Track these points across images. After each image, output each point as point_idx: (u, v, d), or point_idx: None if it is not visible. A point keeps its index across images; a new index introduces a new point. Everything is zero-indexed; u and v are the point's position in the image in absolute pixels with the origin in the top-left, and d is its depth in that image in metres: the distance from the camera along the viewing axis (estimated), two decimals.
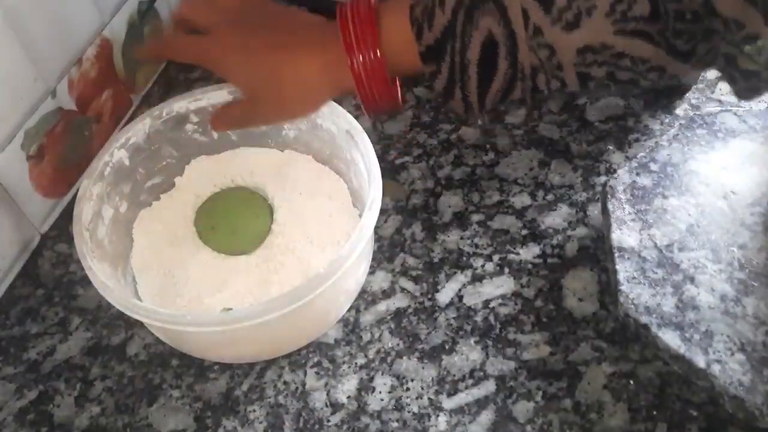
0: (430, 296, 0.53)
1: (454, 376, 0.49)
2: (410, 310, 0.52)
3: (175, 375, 0.50)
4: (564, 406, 0.47)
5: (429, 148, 0.63)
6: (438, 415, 0.47)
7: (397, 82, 0.49)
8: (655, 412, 0.46)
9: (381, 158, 0.63)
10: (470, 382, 0.48)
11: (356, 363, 0.50)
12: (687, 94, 0.64)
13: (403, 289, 0.54)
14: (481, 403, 0.47)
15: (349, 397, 0.48)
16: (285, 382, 0.49)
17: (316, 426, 0.47)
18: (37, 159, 0.57)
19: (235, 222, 0.55)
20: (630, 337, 0.50)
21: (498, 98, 0.43)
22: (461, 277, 0.54)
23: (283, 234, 0.55)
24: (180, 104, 0.54)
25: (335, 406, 0.48)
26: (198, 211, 0.56)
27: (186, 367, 0.51)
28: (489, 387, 0.48)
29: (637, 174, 0.54)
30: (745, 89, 0.38)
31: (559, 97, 0.66)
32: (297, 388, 0.49)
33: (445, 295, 0.53)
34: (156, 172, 0.57)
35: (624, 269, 0.49)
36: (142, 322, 0.53)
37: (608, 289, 0.52)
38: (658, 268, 0.49)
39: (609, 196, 0.53)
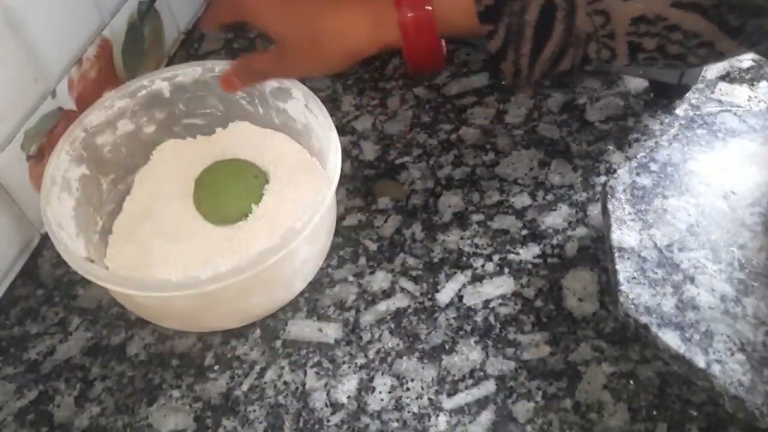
0: (430, 296, 0.53)
1: (454, 376, 0.49)
2: (410, 310, 0.52)
3: (175, 375, 0.50)
4: (564, 406, 0.47)
5: (429, 148, 0.63)
6: (438, 415, 0.47)
7: (442, 41, 0.48)
8: (655, 412, 0.46)
9: (381, 158, 0.63)
10: (470, 382, 0.48)
11: (356, 363, 0.50)
12: (687, 94, 0.64)
13: (403, 289, 0.54)
14: (481, 403, 0.47)
15: (349, 397, 0.48)
16: (285, 382, 0.49)
17: (316, 426, 0.47)
18: (37, 159, 0.57)
19: (224, 193, 0.56)
20: (630, 337, 0.50)
21: (548, 66, 0.43)
22: (461, 277, 0.54)
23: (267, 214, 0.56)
24: None
25: (335, 406, 0.48)
26: (196, 180, 0.58)
27: (186, 367, 0.51)
28: (489, 387, 0.48)
29: (637, 174, 0.54)
30: None
31: (558, 96, 0.66)
32: (297, 388, 0.49)
33: (445, 295, 0.53)
34: (198, 114, 0.60)
35: (624, 269, 0.49)
36: (141, 323, 0.53)
37: (608, 289, 0.52)
38: (658, 268, 0.49)
39: (609, 196, 0.53)
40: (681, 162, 0.55)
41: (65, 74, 0.58)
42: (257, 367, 0.50)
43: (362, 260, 0.55)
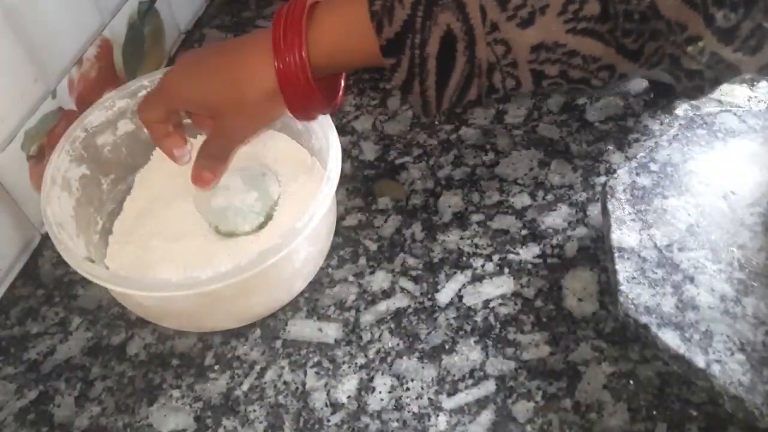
0: (430, 296, 0.53)
1: (454, 376, 0.49)
2: (410, 310, 0.52)
3: (175, 375, 0.50)
4: (564, 406, 0.47)
5: (429, 148, 0.63)
6: (438, 415, 0.47)
7: (342, 82, 0.49)
8: (654, 412, 0.46)
9: (381, 158, 0.63)
10: (470, 382, 0.48)
11: (356, 363, 0.50)
12: None
13: (403, 289, 0.54)
14: (481, 403, 0.47)
15: (349, 397, 0.48)
16: (285, 382, 0.49)
17: (316, 426, 0.47)
18: (37, 159, 0.57)
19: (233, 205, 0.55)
20: (630, 337, 0.50)
21: (455, 96, 0.43)
22: (461, 277, 0.54)
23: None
24: None
25: (335, 406, 0.48)
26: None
27: (186, 367, 0.51)
28: (489, 387, 0.48)
29: (637, 174, 0.54)
30: (690, 88, 0.39)
31: (558, 96, 0.66)
32: (297, 388, 0.49)
33: (445, 295, 0.53)
34: None
35: (624, 269, 0.49)
36: (141, 323, 0.53)
37: (608, 289, 0.52)
38: (657, 268, 0.49)
39: (609, 196, 0.53)
40: (681, 162, 0.55)
41: (65, 74, 0.58)
42: (257, 367, 0.50)
43: (362, 260, 0.56)
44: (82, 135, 0.53)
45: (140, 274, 0.52)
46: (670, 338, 0.46)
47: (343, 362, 0.50)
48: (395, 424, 0.47)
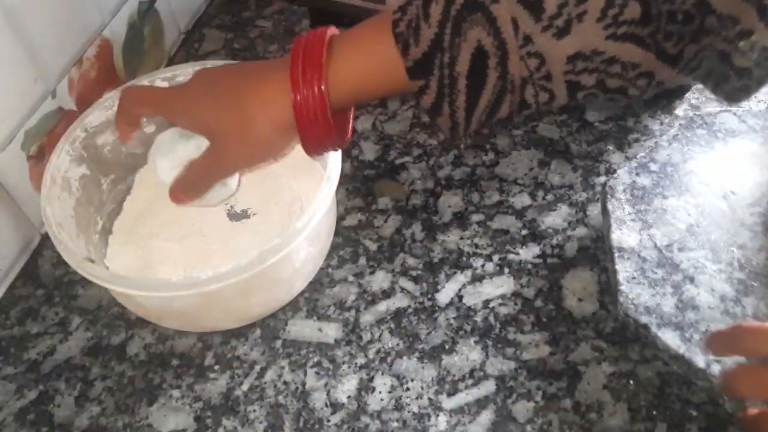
0: (430, 296, 0.53)
1: (454, 376, 0.49)
2: (410, 310, 0.52)
3: (175, 375, 0.50)
4: (564, 406, 0.47)
5: (429, 148, 0.63)
6: (438, 415, 0.47)
7: (351, 117, 0.47)
8: (654, 412, 0.46)
9: (381, 158, 0.63)
10: (470, 382, 0.48)
11: (356, 363, 0.50)
12: (687, 95, 0.64)
13: (403, 289, 0.54)
14: (481, 403, 0.47)
15: (349, 397, 0.48)
16: (285, 382, 0.49)
17: (316, 426, 0.47)
18: (37, 159, 0.57)
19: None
20: (630, 337, 0.50)
21: (485, 115, 0.42)
22: (461, 277, 0.54)
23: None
24: None
25: (335, 406, 0.48)
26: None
27: (186, 367, 0.51)
28: (489, 387, 0.48)
29: (637, 174, 0.55)
30: (738, 89, 0.38)
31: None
32: (297, 388, 0.49)
33: (445, 295, 0.53)
34: None
35: (624, 269, 0.49)
36: (141, 323, 0.53)
37: (608, 289, 0.52)
38: (657, 268, 0.49)
39: (609, 196, 0.53)
40: (681, 162, 0.55)
41: (65, 74, 0.58)
42: (257, 367, 0.50)
43: (362, 260, 0.56)
44: (82, 135, 0.53)
45: (140, 274, 0.52)
46: (670, 338, 0.46)
47: (343, 362, 0.50)
48: (395, 424, 0.47)
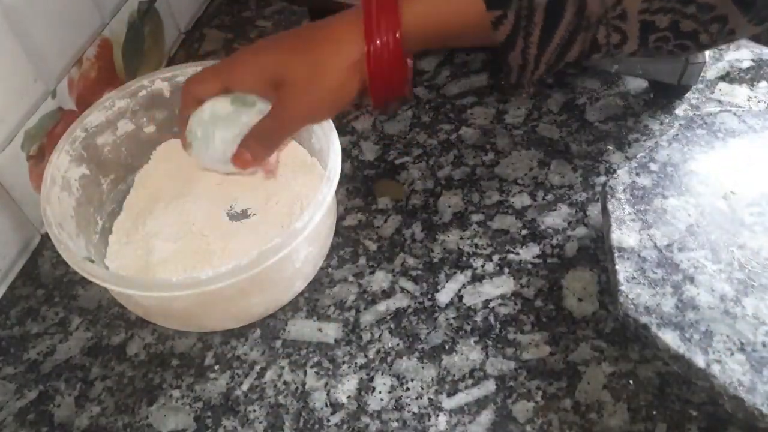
0: (430, 296, 0.53)
1: (454, 376, 0.49)
2: (410, 310, 0.52)
3: (175, 375, 0.50)
4: (564, 406, 0.47)
5: (429, 148, 0.63)
6: (438, 415, 0.47)
7: (410, 71, 0.46)
8: (654, 412, 0.46)
9: (381, 158, 0.63)
10: (470, 382, 0.48)
11: (356, 363, 0.50)
12: (687, 95, 0.64)
13: (403, 289, 0.54)
14: (480, 403, 0.47)
15: (349, 397, 0.48)
16: (285, 382, 0.49)
17: (316, 426, 0.47)
18: (37, 159, 0.57)
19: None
20: (630, 337, 0.50)
21: (555, 56, 0.42)
22: (461, 277, 0.54)
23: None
24: None
25: (335, 406, 0.48)
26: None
27: (186, 367, 0.51)
28: (489, 387, 0.48)
29: (637, 174, 0.55)
30: None
31: (559, 96, 0.66)
32: (297, 388, 0.49)
33: (445, 295, 0.53)
34: None
35: (624, 269, 0.49)
36: (141, 323, 0.53)
37: (608, 289, 0.52)
38: (657, 268, 0.49)
39: (609, 196, 0.53)
40: (681, 162, 0.55)
41: (65, 74, 0.58)
42: (257, 367, 0.50)
43: (362, 260, 0.56)
44: (82, 135, 0.53)
45: (140, 274, 0.52)
46: (670, 338, 0.46)
47: (343, 362, 0.50)
48: (395, 424, 0.47)
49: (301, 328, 0.52)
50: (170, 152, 0.60)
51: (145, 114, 0.57)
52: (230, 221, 0.57)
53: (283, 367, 0.50)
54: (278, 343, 0.51)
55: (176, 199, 0.57)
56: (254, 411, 0.48)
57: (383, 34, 0.41)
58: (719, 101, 0.64)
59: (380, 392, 0.48)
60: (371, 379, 0.49)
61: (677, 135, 0.57)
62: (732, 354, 0.45)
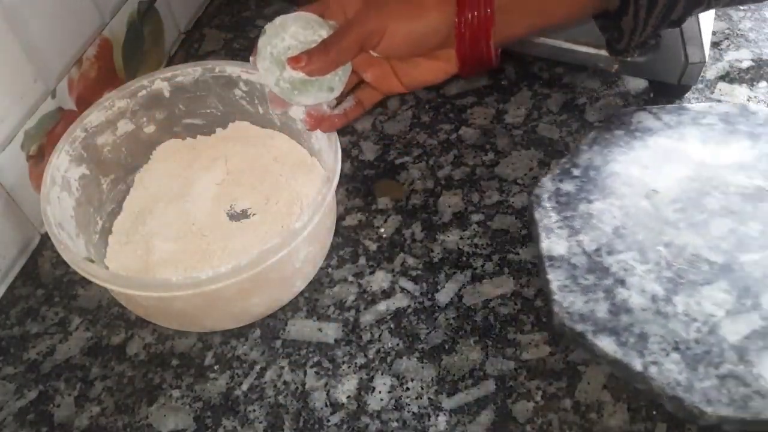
0: (430, 296, 0.53)
1: (454, 376, 0.49)
2: (410, 310, 0.52)
3: (175, 375, 0.50)
4: (564, 406, 0.47)
5: (429, 148, 0.63)
6: (438, 415, 0.47)
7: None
8: (654, 412, 0.46)
9: (381, 158, 0.63)
10: (470, 381, 0.48)
11: (356, 363, 0.50)
12: (686, 94, 0.64)
13: (403, 289, 0.54)
14: (480, 403, 0.47)
15: (349, 397, 0.48)
16: (285, 382, 0.49)
17: (316, 426, 0.47)
18: (37, 159, 0.57)
19: None
20: (570, 345, 0.49)
21: (661, 15, 0.43)
22: (461, 277, 0.54)
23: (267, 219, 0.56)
24: (233, 68, 0.56)
25: (335, 406, 0.48)
26: None
27: (186, 367, 0.51)
28: (489, 387, 0.48)
29: (560, 180, 0.55)
30: None
31: (558, 96, 0.66)
32: (297, 388, 0.49)
33: (444, 295, 0.53)
34: (198, 114, 0.60)
35: (556, 278, 0.50)
36: (141, 323, 0.53)
37: (544, 298, 0.52)
38: (588, 273, 0.50)
39: (535, 205, 0.54)
40: (602, 165, 0.56)
41: (65, 74, 0.58)
42: (257, 367, 0.50)
43: (362, 260, 0.56)
44: (82, 135, 0.53)
45: (140, 274, 0.52)
46: (606, 344, 0.46)
47: (343, 362, 0.50)
48: (395, 424, 0.47)
49: (301, 328, 0.52)
50: (170, 152, 0.60)
51: (145, 114, 0.57)
52: (230, 221, 0.57)
53: (283, 367, 0.50)
54: (278, 343, 0.51)
55: (176, 199, 0.57)
56: (254, 411, 0.48)
57: (478, 2, 0.41)
58: (719, 101, 0.64)
59: (380, 392, 0.48)
60: (371, 379, 0.49)
61: (596, 137, 0.58)
62: (667, 354, 0.45)
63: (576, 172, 0.55)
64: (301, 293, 0.53)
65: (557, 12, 0.44)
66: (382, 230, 0.56)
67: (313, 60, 0.43)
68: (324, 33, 0.45)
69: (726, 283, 0.48)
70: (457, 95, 0.67)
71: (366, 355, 0.50)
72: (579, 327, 0.47)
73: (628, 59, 0.47)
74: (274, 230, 0.55)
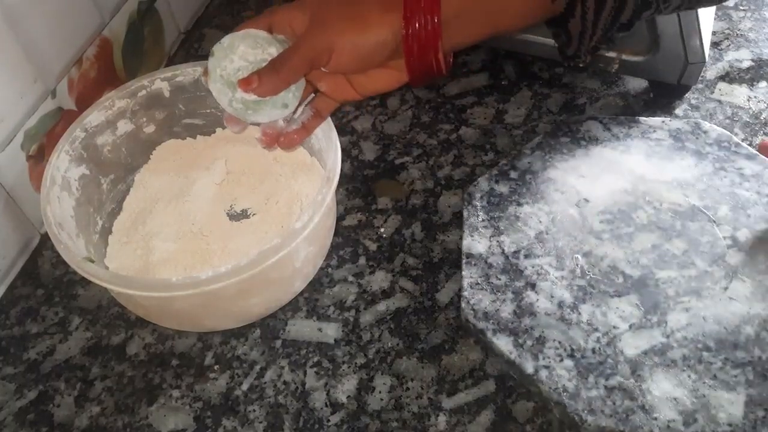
0: (429, 296, 0.53)
1: (454, 375, 0.49)
2: (410, 310, 0.52)
3: (175, 375, 0.50)
4: None
5: (429, 148, 0.63)
6: (438, 415, 0.47)
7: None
8: None
9: (381, 158, 0.63)
10: (470, 381, 0.48)
11: (356, 363, 0.50)
12: (686, 94, 0.64)
13: (402, 289, 0.54)
14: (480, 403, 0.47)
15: (349, 397, 0.48)
16: (285, 382, 0.49)
17: (316, 426, 0.47)
18: (37, 159, 0.57)
19: None
20: (473, 342, 0.50)
21: (610, 18, 0.43)
22: (461, 277, 0.54)
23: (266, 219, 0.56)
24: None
25: (335, 406, 0.48)
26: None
27: (186, 367, 0.51)
28: (489, 387, 0.48)
29: (496, 182, 0.55)
30: None
31: (558, 96, 0.66)
32: (297, 388, 0.49)
33: (444, 295, 0.53)
34: (198, 114, 0.60)
35: (469, 275, 0.51)
36: (141, 323, 0.53)
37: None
38: (502, 274, 0.50)
39: (466, 203, 0.54)
40: (541, 170, 0.56)
41: (65, 74, 0.58)
42: (257, 367, 0.50)
43: (362, 260, 0.56)
44: (82, 135, 0.53)
45: (140, 274, 0.52)
46: (503, 344, 0.47)
47: (343, 362, 0.50)
48: (395, 424, 0.47)
49: (301, 328, 0.52)
50: (170, 152, 0.60)
51: (145, 114, 0.58)
52: (230, 221, 0.57)
53: (283, 367, 0.50)
54: (278, 343, 0.51)
55: (176, 199, 0.57)
56: (254, 411, 0.48)
57: (423, 14, 0.41)
58: (719, 101, 0.64)
59: (380, 392, 0.48)
60: (371, 379, 0.49)
61: (540, 143, 0.58)
62: (561, 360, 0.46)
63: (513, 174, 0.56)
64: (301, 293, 0.53)
65: (504, 19, 0.44)
66: (382, 230, 0.56)
67: (263, 81, 0.43)
68: (273, 51, 0.44)
69: (637, 297, 0.48)
70: (457, 95, 0.67)
71: (366, 355, 0.50)
72: (480, 324, 0.48)
73: (581, 65, 0.47)
74: (274, 230, 0.55)
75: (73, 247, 0.46)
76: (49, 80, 0.56)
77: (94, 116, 0.54)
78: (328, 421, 0.47)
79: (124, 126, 0.57)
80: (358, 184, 0.61)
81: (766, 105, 0.63)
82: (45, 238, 0.59)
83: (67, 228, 0.49)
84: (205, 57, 0.74)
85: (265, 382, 0.49)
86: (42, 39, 0.55)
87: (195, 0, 0.78)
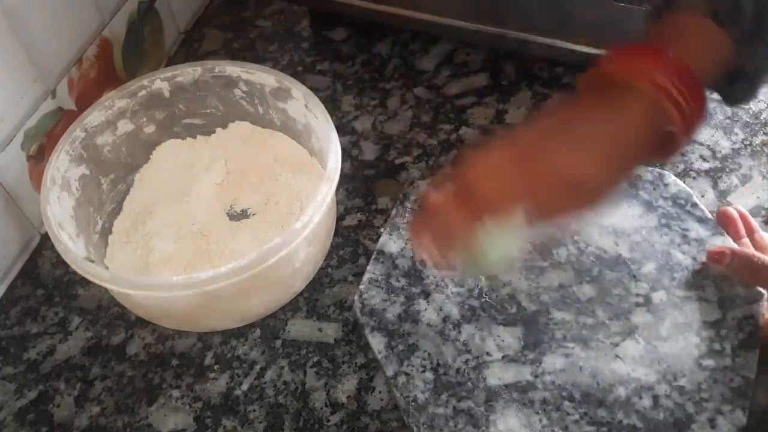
0: None
1: None
2: None
3: (175, 375, 0.50)
4: None
5: (429, 148, 0.63)
6: None
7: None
8: None
9: (381, 158, 0.63)
10: None
11: (356, 363, 0.50)
12: None
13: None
14: None
15: (349, 397, 0.48)
16: (285, 382, 0.49)
17: (316, 426, 0.47)
18: (36, 159, 0.57)
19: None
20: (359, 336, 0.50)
21: None
22: None
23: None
24: (233, 68, 0.56)
25: (335, 406, 0.48)
26: None
27: (186, 367, 0.51)
28: None
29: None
30: None
31: (559, 96, 0.66)
32: (297, 388, 0.49)
33: None
34: (198, 114, 0.60)
35: (372, 271, 0.51)
36: (141, 323, 0.53)
37: None
38: (403, 277, 0.51)
39: (398, 202, 0.54)
40: None
41: (65, 74, 0.58)
42: (257, 367, 0.50)
43: (362, 260, 0.55)
44: (82, 135, 0.53)
45: (140, 274, 0.52)
46: (376, 342, 0.48)
47: (343, 362, 0.50)
48: (395, 424, 0.47)
49: (301, 328, 0.52)
50: (170, 152, 0.60)
51: (145, 114, 0.57)
52: (230, 221, 0.57)
53: (282, 367, 0.50)
54: (278, 343, 0.51)
55: (176, 199, 0.57)
56: (254, 411, 0.48)
57: (695, 116, 0.40)
58: (719, 101, 0.64)
59: (380, 392, 0.48)
60: (371, 379, 0.49)
61: None
62: (423, 371, 0.46)
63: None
64: (301, 293, 0.53)
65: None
66: (382, 230, 0.56)
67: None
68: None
69: (522, 331, 0.47)
70: (457, 95, 0.67)
71: (366, 355, 0.50)
72: (363, 319, 0.49)
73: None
74: (274, 230, 0.55)
75: (73, 247, 0.46)
76: (49, 80, 0.56)
77: (94, 116, 0.54)
78: (328, 421, 0.47)
79: (124, 126, 0.57)
80: (358, 184, 0.61)
81: (766, 105, 0.63)
82: (45, 238, 0.59)
83: (67, 228, 0.49)
84: (205, 57, 0.74)
85: (265, 382, 0.49)
86: (42, 39, 0.55)
87: (195, 0, 0.78)
